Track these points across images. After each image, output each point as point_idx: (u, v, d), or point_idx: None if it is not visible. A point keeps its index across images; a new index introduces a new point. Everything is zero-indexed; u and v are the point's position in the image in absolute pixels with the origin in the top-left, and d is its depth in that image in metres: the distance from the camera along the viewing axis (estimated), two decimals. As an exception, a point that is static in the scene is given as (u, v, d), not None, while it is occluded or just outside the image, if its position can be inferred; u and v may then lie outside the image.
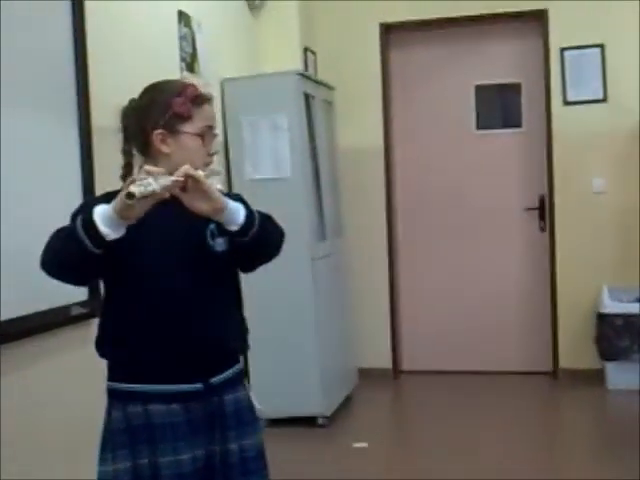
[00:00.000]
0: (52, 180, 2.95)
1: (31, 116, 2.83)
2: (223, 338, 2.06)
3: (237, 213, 1.94)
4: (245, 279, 4.98)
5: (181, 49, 4.25)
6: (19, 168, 2.75)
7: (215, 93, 4.69)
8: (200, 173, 1.89)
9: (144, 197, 1.77)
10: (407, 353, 6.12)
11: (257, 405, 4.96)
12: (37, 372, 2.84)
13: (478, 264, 6.00)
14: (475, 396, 5.43)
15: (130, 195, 1.75)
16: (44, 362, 2.88)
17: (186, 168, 1.87)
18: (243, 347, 2.19)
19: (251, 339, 4.93)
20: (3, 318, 2.60)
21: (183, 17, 4.28)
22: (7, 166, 2.67)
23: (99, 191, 2.89)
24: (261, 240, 1.99)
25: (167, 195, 1.83)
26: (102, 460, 2.02)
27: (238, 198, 2.04)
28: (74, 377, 2.96)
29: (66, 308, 2.91)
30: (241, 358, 2.20)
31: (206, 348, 2.02)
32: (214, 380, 2.05)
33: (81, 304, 2.92)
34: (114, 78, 3.35)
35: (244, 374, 4.45)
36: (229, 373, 2.10)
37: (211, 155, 2.08)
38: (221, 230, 1.98)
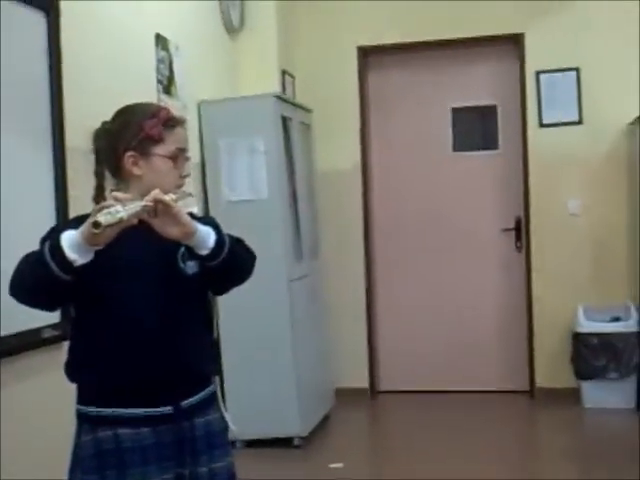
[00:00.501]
0: (24, 202, 2.95)
1: (3, 137, 2.84)
2: (193, 362, 2.06)
3: (207, 237, 1.95)
4: (222, 300, 5.03)
5: (158, 72, 4.28)
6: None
7: (192, 115, 4.73)
8: (170, 197, 1.90)
9: (111, 225, 1.77)
10: (385, 373, 6.14)
11: (232, 426, 4.95)
12: (7, 395, 2.83)
13: (455, 284, 6.04)
14: (452, 415, 5.45)
15: (97, 224, 1.74)
16: (15, 385, 2.87)
17: (155, 193, 1.87)
18: (214, 370, 2.19)
19: (227, 359, 4.97)
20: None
21: (160, 40, 4.31)
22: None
23: (73, 213, 2.92)
24: (231, 264, 2.00)
25: (136, 221, 1.84)
26: (71, 485, 2.01)
27: (210, 222, 2.04)
28: (45, 400, 2.95)
29: (37, 331, 2.90)
30: (214, 380, 2.20)
31: (176, 372, 2.02)
32: (184, 403, 2.05)
33: (53, 326, 2.92)
34: (89, 100, 3.36)
35: (219, 395, 4.43)
36: (200, 396, 2.09)
37: (183, 177, 2.09)
38: (192, 253, 1.98)
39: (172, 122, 2.07)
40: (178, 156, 2.07)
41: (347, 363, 5.93)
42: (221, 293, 2.22)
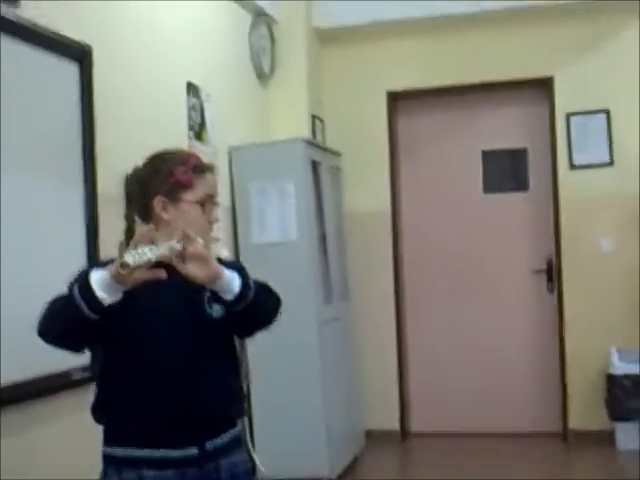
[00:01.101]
0: (57, 245, 3.04)
1: (37, 181, 2.94)
2: (219, 405, 2.06)
3: (232, 282, 1.96)
4: (252, 341, 5.02)
5: (190, 118, 4.38)
6: (24, 233, 2.86)
7: (223, 160, 4.82)
8: (199, 240, 1.92)
9: (139, 266, 1.78)
10: (415, 414, 6.11)
11: (261, 467, 4.96)
12: (37, 436, 2.89)
13: (487, 325, 6.02)
14: (484, 458, 5.39)
15: (124, 265, 1.76)
16: (45, 426, 2.93)
17: (185, 231, 1.89)
18: (240, 412, 2.19)
19: (257, 400, 4.99)
20: (4, 383, 2.66)
21: (192, 88, 4.42)
22: (11, 230, 2.77)
23: (103, 256, 2.99)
24: (256, 309, 2.01)
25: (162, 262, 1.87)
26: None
27: (235, 267, 2.05)
28: (74, 441, 2.99)
29: (68, 373, 2.96)
30: (241, 421, 2.21)
31: (202, 415, 2.02)
32: (209, 445, 2.05)
33: (82, 369, 2.96)
34: (121, 146, 3.45)
35: (247, 437, 4.44)
36: (225, 438, 2.09)
37: (211, 223, 2.12)
38: (217, 298, 1.99)
39: (201, 168, 2.10)
40: (207, 202, 2.09)
41: (377, 404, 5.91)
42: (247, 337, 2.24)
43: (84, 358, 2.96)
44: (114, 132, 3.46)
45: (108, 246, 3.06)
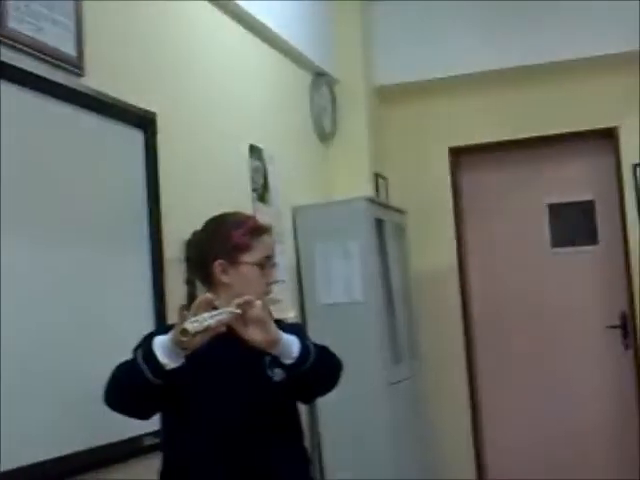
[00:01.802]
0: (124, 310, 3.03)
1: (104, 247, 2.96)
2: (282, 471, 2.05)
3: (291, 347, 1.97)
4: (321, 404, 4.99)
5: (253, 181, 4.39)
6: (91, 298, 2.86)
7: (286, 220, 4.82)
8: (258, 304, 1.93)
9: (199, 332, 1.80)
10: (492, 477, 5.91)
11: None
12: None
13: (561, 384, 5.83)
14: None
15: (184, 331, 1.79)
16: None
17: (246, 299, 1.91)
18: (305, 478, 2.16)
19: (327, 464, 4.90)
20: (74, 450, 2.64)
21: (255, 151, 4.44)
22: (80, 296, 2.79)
23: (171, 321, 2.98)
24: (316, 373, 2.01)
25: (224, 329, 1.87)
26: None
27: (295, 330, 2.06)
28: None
29: (138, 439, 2.93)
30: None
31: (270, 478, 2.00)
32: None
33: (153, 434, 2.94)
34: (186, 210, 3.46)
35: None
36: None
37: (270, 284, 2.13)
38: (277, 361, 1.99)
39: (259, 231, 2.14)
40: (265, 263, 2.13)
41: (451, 471, 5.73)
42: (308, 401, 2.27)
43: (155, 424, 2.96)
44: (178, 196, 3.48)
45: (175, 309, 3.05)
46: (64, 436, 2.63)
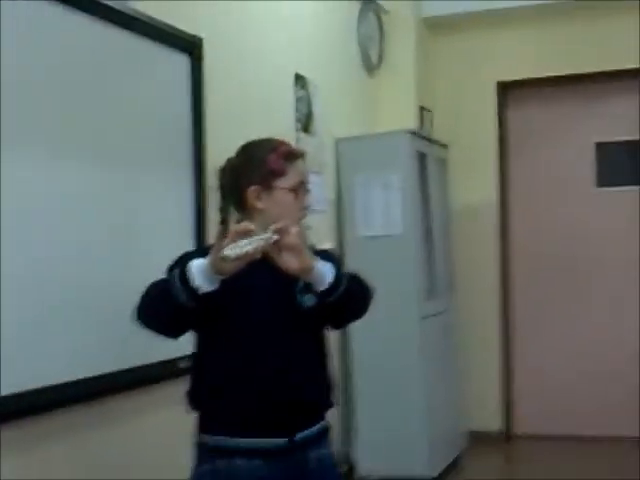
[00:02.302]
0: (166, 234, 3.07)
1: (148, 171, 2.99)
2: (309, 394, 2.09)
3: (325, 274, 1.98)
4: (354, 336, 5.05)
5: (297, 110, 4.37)
6: (133, 222, 2.92)
7: (329, 152, 4.80)
8: (293, 230, 1.94)
9: (238, 258, 1.83)
10: (520, 416, 5.96)
11: (362, 464, 4.95)
12: (143, 423, 2.94)
13: (599, 326, 5.82)
14: (593, 463, 5.21)
15: (225, 258, 1.82)
16: (151, 414, 2.99)
17: (280, 225, 1.91)
18: (328, 404, 2.20)
19: (358, 397, 4.98)
20: (109, 370, 2.72)
21: (300, 79, 4.40)
22: (122, 220, 2.84)
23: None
24: (348, 300, 2.02)
25: (260, 255, 1.89)
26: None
27: (329, 257, 2.08)
28: (181, 429, 3.03)
29: (173, 362, 2.99)
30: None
31: (291, 404, 2.05)
32: (299, 436, 2.07)
33: (188, 357, 2.99)
34: (229, 137, 3.44)
35: (350, 432, 4.42)
36: (314, 430, 2.12)
37: (304, 209, 2.14)
38: (309, 288, 2.02)
39: (293, 156, 2.13)
40: (299, 189, 2.12)
41: (480, 405, 5.80)
42: (338, 327, 2.26)
43: (190, 347, 3.02)
44: (223, 123, 3.48)
45: (215, 235, 3.08)
46: (98, 356, 2.71)
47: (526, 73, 5.83)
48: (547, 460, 5.40)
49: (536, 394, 5.92)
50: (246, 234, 1.85)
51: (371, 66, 5.47)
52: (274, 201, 2.08)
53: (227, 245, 1.82)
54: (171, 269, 1.99)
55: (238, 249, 1.82)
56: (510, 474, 5.49)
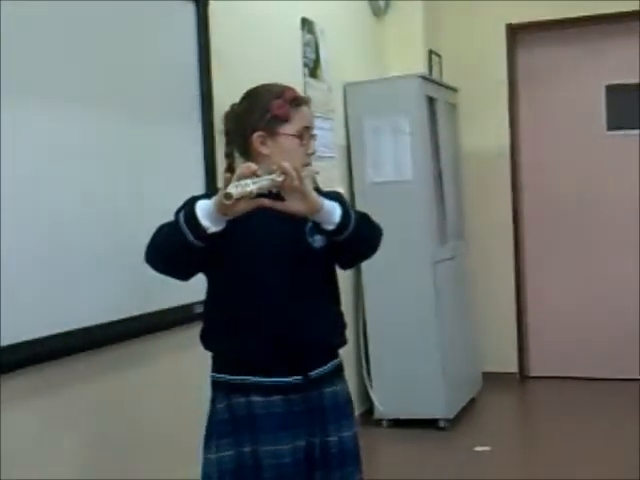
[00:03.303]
0: (176, 181, 3.07)
1: (157, 119, 2.99)
2: (321, 333, 2.11)
3: (333, 213, 1.98)
4: (367, 281, 5.08)
5: (304, 55, 4.34)
6: (144, 169, 2.92)
7: (337, 97, 4.78)
8: (297, 173, 1.94)
9: (242, 197, 1.83)
10: (534, 358, 6.00)
11: (378, 406, 5.01)
12: (160, 366, 2.98)
13: (610, 267, 5.81)
14: (604, 403, 5.26)
15: (228, 195, 1.81)
16: (167, 358, 3.03)
17: (283, 164, 1.91)
18: (341, 342, 2.22)
19: (373, 340, 5.03)
20: (126, 316, 2.75)
21: (306, 24, 4.37)
22: (133, 166, 2.85)
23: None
24: (357, 239, 2.03)
25: (265, 192, 1.89)
26: (207, 448, 2.11)
27: (336, 197, 2.08)
28: (193, 372, 3.07)
29: (189, 306, 3.02)
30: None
31: (304, 343, 2.07)
32: (313, 373, 2.10)
33: (203, 302, 3.02)
34: (236, 83, 3.42)
35: (366, 373, 4.46)
36: (328, 367, 2.14)
37: (309, 155, 2.14)
38: (318, 228, 2.02)
39: (298, 101, 2.12)
40: (304, 134, 2.12)
41: (495, 346, 5.83)
42: (347, 267, 2.28)
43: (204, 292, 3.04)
44: (230, 69, 3.46)
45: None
46: (116, 302, 2.73)
47: (536, 15, 5.75)
48: (562, 401, 5.44)
49: (550, 336, 5.95)
50: (250, 175, 1.86)
51: (379, 10, 5.42)
52: (279, 147, 2.08)
53: (232, 184, 1.84)
54: (179, 212, 2.00)
55: (241, 188, 1.83)
56: (526, 414, 5.54)
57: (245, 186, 1.83)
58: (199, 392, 2.25)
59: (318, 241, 2.07)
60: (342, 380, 2.21)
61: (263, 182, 1.87)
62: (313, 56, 4.44)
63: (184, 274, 2.08)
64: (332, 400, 2.13)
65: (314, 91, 4.29)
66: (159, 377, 2.99)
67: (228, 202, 1.82)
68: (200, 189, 3.20)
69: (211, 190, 3.16)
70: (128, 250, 2.71)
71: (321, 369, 2.12)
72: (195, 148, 3.24)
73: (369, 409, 4.87)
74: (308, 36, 4.38)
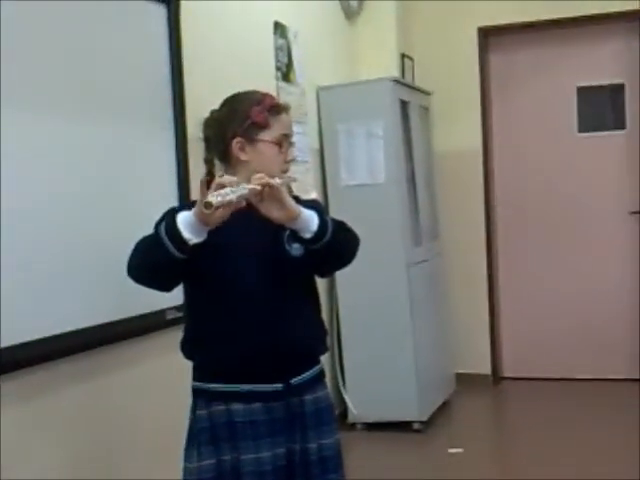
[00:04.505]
0: (148, 186, 3.07)
1: (128, 123, 2.97)
2: (301, 340, 2.12)
3: (310, 221, 2.00)
4: (341, 284, 5.08)
5: (277, 59, 4.33)
6: (115, 174, 2.89)
7: (310, 101, 4.78)
8: (275, 181, 1.95)
9: (222, 206, 1.84)
10: (507, 359, 6.04)
11: (352, 409, 5.01)
12: (134, 373, 2.97)
13: (580, 268, 5.87)
14: (579, 405, 5.30)
15: (208, 204, 1.83)
16: (141, 364, 3.01)
17: (261, 176, 1.94)
18: (321, 349, 2.24)
19: (346, 344, 5.04)
20: (101, 322, 2.73)
21: (279, 27, 4.36)
22: (104, 172, 2.82)
23: (194, 197, 3.01)
24: (334, 247, 2.04)
25: (244, 204, 1.90)
26: (187, 457, 2.12)
27: (314, 206, 2.09)
28: (169, 377, 3.06)
29: (162, 312, 3.02)
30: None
31: (284, 350, 2.08)
32: (294, 381, 2.11)
33: (176, 308, 3.01)
34: (209, 87, 3.43)
35: (340, 377, 4.46)
36: (309, 374, 2.16)
37: (288, 162, 2.15)
38: (296, 236, 2.03)
39: (277, 109, 2.14)
40: (283, 141, 2.13)
41: (468, 348, 5.87)
42: (325, 275, 2.31)
43: (178, 298, 3.03)
44: (202, 73, 3.46)
45: (198, 186, 3.08)
46: (90, 308, 2.72)
47: (507, 18, 5.78)
48: (535, 401, 5.48)
49: (523, 337, 5.99)
50: (229, 183, 1.88)
51: (351, 13, 5.42)
52: (258, 153, 2.10)
53: (211, 194, 1.84)
54: (159, 224, 2.00)
55: (220, 197, 1.84)
56: (499, 416, 5.57)
57: (225, 195, 1.84)
58: (181, 397, 2.25)
59: (296, 249, 2.08)
60: (323, 386, 2.23)
61: (243, 191, 1.88)
62: (286, 60, 4.44)
63: (166, 286, 2.09)
64: (313, 407, 2.15)
65: (287, 95, 4.29)
66: (137, 382, 2.98)
67: (207, 211, 1.83)
68: (173, 193, 3.20)
69: (187, 199, 3.17)
70: (96, 256, 2.72)
71: (302, 376, 2.13)
72: (167, 151, 3.22)
73: (343, 412, 4.87)
74: (281, 40, 4.38)
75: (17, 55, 2.46)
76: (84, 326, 2.67)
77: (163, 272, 1.99)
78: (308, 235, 2.00)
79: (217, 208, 1.83)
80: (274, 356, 2.06)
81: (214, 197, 1.83)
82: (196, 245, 1.91)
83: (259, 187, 1.91)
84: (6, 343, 2.34)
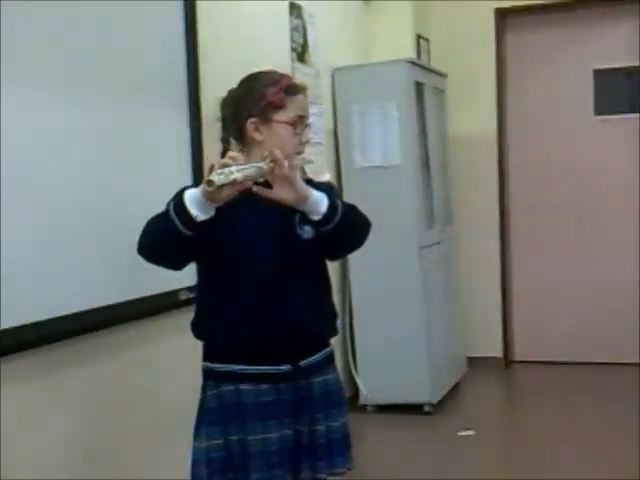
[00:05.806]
0: (164, 165, 3.08)
1: (145, 104, 2.98)
2: (311, 322, 2.12)
3: (320, 203, 1.99)
4: (354, 266, 5.08)
5: (292, 40, 4.32)
6: (131, 155, 2.90)
7: (325, 82, 4.76)
8: (285, 161, 1.93)
9: (225, 185, 1.83)
10: (519, 342, 6.04)
11: (363, 391, 5.02)
12: (146, 352, 2.99)
13: (595, 253, 5.85)
14: (590, 388, 5.30)
15: (210, 182, 1.82)
16: (154, 344, 3.03)
17: (274, 152, 1.92)
18: (331, 332, 2.24)
19: (359, 326, 5.05)
20: (113, 302, 2.75)
21: (295, 8, 4.35)
22: (120, 153, 2.83)
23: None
24: (344, 230, 2.04)
25: (250, 184, 1.90)
26: (197, 437, 2.12)
27: (324, 189, 2.08)
28: (181, 359, 3.07)
29: (175, 293, 3.03)
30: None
31: (293, 332, 2.08)
32: (303, 363, 2.11)
33: (189, 289, 3.02)
34: (224, 68, 3.42)
35: (352, 359, 4.47)
36: (318, 357, 2.16)
37: (302, 144, 2.14)
38: (306, 219, 2.03)
39: (293, 89, 2.12)
40: (298, 122, 2.12)
41: (480, 331, 5.87)
42: (335, 258, 2.30)
43: (191, 279, 3.04)
44: (217, 54, 3.46)
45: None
46: (103, 288, 2.73)
47: (524, -1, 5.75)
48: (546, 385, 5.48)
49: (535, 321, 5.98)
50: (234, 162, 1.87)
51: (367, -6, 5.40)
52: (272, 134, 2.09)
53: (215, 172, 1.84)
54: (169, 203, 2.00)
55: (224, 176, 1.83)
56: (510, 399, 5.58)
57: (229, 174, 1.83)
58: (194, 377, 2.25)
59: (307, 232, 2.08)
60: (333, 369, 2.23)
61: (249, 170, 1.87)
62: (301, 41, 4.42)
63: (176, 264, 2.09)
64: (322, 389, 2.15)
65: (302, 76, 4.27)
66: (157, 360, 3.02)
67: (210, 189, 1.83)
68: (187, 174, 3.20)
69: (198, 175, 3.17)
70: (111, 236, 2.72)
71: (311, 358, 2.13)
72: (183, 132, 3.22)
73: (354, 394, 4.89)
74: (296, 21, 4.36)
75: (34, 38, 2.46)
76: (97, 306, 2.67)
77: (171, 249, 1.99)
78: (317, 217, 2.00)
79: (221, 187, 1.83)
80: (283, 338, 2.07)
81: (217, 175, 1.82)
82: (206, 223, 1.91)
83: (266, 167, 1.90)
84: (34, 318, 2.38)
